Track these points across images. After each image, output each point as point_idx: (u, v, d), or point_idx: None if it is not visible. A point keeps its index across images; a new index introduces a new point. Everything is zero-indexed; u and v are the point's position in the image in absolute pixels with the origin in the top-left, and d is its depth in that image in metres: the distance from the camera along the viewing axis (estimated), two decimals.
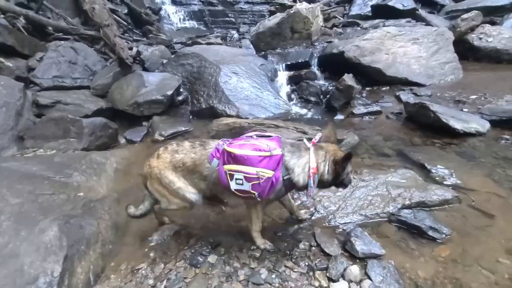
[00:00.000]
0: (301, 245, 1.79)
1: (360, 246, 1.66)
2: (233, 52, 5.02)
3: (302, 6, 5.29)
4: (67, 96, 4.00)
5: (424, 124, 3.03)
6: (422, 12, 6.64)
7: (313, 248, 1.78)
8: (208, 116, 3.97)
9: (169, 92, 4.12)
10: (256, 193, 1.46)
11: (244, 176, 1.44)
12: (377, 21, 6.47)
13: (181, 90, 4.47)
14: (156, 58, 5.08)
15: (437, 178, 2.28)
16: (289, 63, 4.82)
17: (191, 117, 4.22)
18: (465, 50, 4.95)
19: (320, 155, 1.56)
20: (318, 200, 2.12)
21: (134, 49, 5.08)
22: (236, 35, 7.09)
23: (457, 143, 2.72)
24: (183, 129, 3.77)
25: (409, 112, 3.24)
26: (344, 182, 1.64)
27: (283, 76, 4.69)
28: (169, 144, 1.72)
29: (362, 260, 1.64)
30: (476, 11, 5.17)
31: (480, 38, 4.98)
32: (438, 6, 7.24)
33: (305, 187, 1.55)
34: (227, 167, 1.48)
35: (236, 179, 1.46)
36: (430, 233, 1.76)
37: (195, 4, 9.17)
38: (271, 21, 5.53)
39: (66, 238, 1.86)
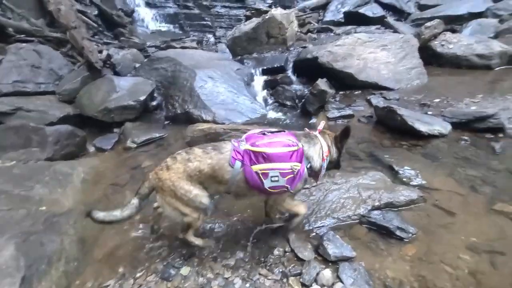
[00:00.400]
0: (276, 251, 1.80)
1: (332, 249, 1.70)
2: (209, 56, 4.98)
3: (277, 12, 5.38)
4: (30, 103, 3.74)
5: (392, 127, 3.17)
6: (390, 19, 7.01)
7: (287, 253, 1.78)
8: (184, 121, 3.88)
9: (142, 97, 3.99)
10: (289, 186, 1.56)
11: (280, 173, 1.52)
12: (349, 27, 6.74)
13: (155, 95, 4.35)
14: (128, 62, 4.91)
15: (404, 179, 2.38)
16: (265, 67, 4.86)
17: (166, 122, 4.11)
18: (429, 56, 5.26)
19: (327, 139, 1.76)
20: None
21: (104, 52, 4.87)
22: (212, 39, 7.05)
23: (422, 144, 2.87)
24: (157, 135, 3.67)
25: (379, 116, 3.38)
26: (339, 160, 1.85)
27: (259, 80, 4.72)
28: (176, 154, 1.65)
29: (334, 263, 1.67)
30: (438, 20, 5.53)
31: (442, 45, 5.31)
32: (405, 14, 7.69)
33: (319, 170, 1.71)
34: (258, 167, 1.52)
35: (272, 176, 1.52)
36: (398, 233, 1.83)
37: (170, 7, 9.00)
38: (247, 26, 5.57)
39: (24, 258, 1.73)
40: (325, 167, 1.71)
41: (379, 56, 4.78)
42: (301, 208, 1.79)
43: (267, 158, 1.52)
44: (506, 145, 2.67)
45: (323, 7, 8.45)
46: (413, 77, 4.62)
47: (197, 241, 1.80)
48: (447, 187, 2.25)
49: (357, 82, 4.44)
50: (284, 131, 1.70)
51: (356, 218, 2.02)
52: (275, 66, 4.79)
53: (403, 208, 2.08)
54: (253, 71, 4.83)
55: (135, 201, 1.66)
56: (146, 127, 3.92)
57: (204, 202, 1.61)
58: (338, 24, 7.50)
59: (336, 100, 4.24)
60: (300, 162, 1.57)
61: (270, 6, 7.60)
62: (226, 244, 1.88)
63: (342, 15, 7.69)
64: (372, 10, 7.08)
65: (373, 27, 6.54)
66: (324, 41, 5.55)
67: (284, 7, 8.10)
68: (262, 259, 1.75)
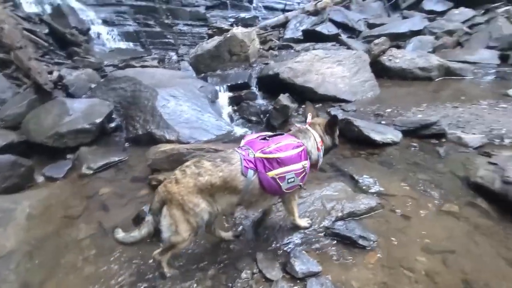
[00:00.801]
0: (243, 274, 1.74)
1: (299, 266, 1.69)
2: (171, 75, 4.90)
3: (238, 31, 5.53)
4: None
5: (351, 138, 3.34)
6: (344, 37, 7.58)
7: (256, 275, 1.74)
8: (146, 142, 3.72)
9: (99, 120, 3.76)
10: (302, 183, 1.70)
11: (295, 173, 1.63)
12: (307, 44, 7.13)
13: (113, 116, 4.13)
14: (82, 83, 4.64)
15: (364, 187, 2.50)
16: (229, 84, 4.91)
17: (126, 144, 3.90)
18: (380, 70, 5.73)
19: (318, 129, 1.88)
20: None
21: (55, 73, 4.55)
22: (175, 57, 6.99)
23: (378, 153, 3.06)
24: (117, 159, 3.46)
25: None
26: (335, 143, 1.99)
27: (224, 97, 4.74)
28: (185, 167, 1.62)
29: (302, 280, 1.66)
30: (385, 37, 6.10)
31: (390, 60, 5.84)
32: (356, 32, 8.36)
33: (317, 160, 1.82)
34: (274, 172, 1.59)
35: (288, 179, 1.62)
36: (360, 242, 1.90)
37: (130, 25, 8.81)
38: (209, 44, 5.63)
39: None
40: (322, 156, 1.85)
41: (336, 71, 5.09)
42: (296, 214, 1.97)
43: (281, 162, 1.61)
44: (448, 149, 2.96)
45: (283, 25, 8.89)
46: (367, 89, 4.99)
47: (166, 269, 1.72)
48: (402, 192, 2.41)
49: (317, 96, 4.66)
50: (282, 134, 1.81)
51: (321, 230, 2.05)
52: (239, 82, 4.86)
53: (364, 216, 2.17)
54: (217, 88, 4.84)
55: (149, 218, 1.64)
56: (104, 151, 3.68)
57: (204, 218, 1.60)
58: (297, 41, 7.91)
59: (299, 113, 4.39)
60: (307, 159, 1.71)
61: (231, 25, 7.80)
62: (190, 273, 1.79)
63: (301, 33, 8.14)
64: (327, 29, 7.60)
65: (329, 44, 7.01)
66: (285, 58, 5.79)
67: (246, 26, 8.40)
68: (230, 284, 1.69)
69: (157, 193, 1.62)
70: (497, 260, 1.74)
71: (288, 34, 8.49)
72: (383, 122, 3.75)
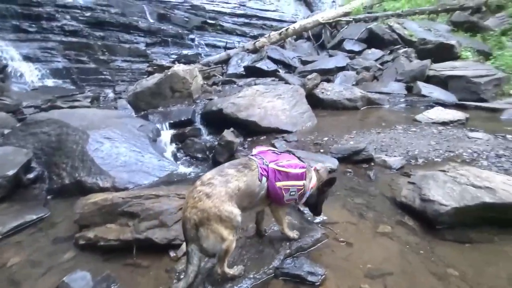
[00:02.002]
0: None
1: None
2: (105, 115, 4.56)
3: (180, 68, 5.56)
4: None
5: None
6: (282, 72, 8.27)
7: None
8: (74, 193, 3.27)
9: (12, 171, 3.20)
10: (298, 199, 1.96)
11: (297, 189, 1.89)
12: (249, 79, 7.55)
13: (32, 165, 3.56)
14: None
15: (309, 218, 2.57)
16: (172, 121, 4.78)
17: (49, 197, 3.36)
18: (315, 101, 6.33)
19: (317, 178, 2.07)
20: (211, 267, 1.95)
21: None
22: (111, 95, 6.59)
23: None
24: (35, 217, 2.92)
25: None
26: (317, 209, 2.17)
27: (166, 135, 4.56)
28: (210, 178, 1.70)
29: None
30: (316, 73, 6.85)
31: (322, 92, 6.52)
32: (292, 68, 9.21)
33: (303, 194, 1.98)
34: (281, 183, 1.82)
35: (291, 192, 1.86)
36: (309, 278, 1.88)
37: (59, 61, 8.11)
38: (150, 81, 5.50)
39: None
40: (307, 195, 2.01)
41: (276, 104, 5.43)
42: (285, 224, 2.11)
43: (290, 177, 1.86)
44: (377, 172, 3.30)
45: (226, 62, 9.32)
46: (305, 120, 5.40)
47: (232, 271, 1.84)
48: (343, 219, 2.54)
49: (261, 128, 4.85)
50: (289, 153, 2.05)
51: (271, 272, 1.98)
52: (182, 119, 4.78)
53: (311, 249, 2.20)
54: (159, 126, 4.66)
55: (191, 247, 1.65)
56: (18, 208, 3.08)
57: (239, 220, 1.69)
58: (240, 76, 8.33)
59: (245, 147, 4.46)
60: (306, 180, 1.95)
61: (173, 62, 7.85)
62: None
63: (242, 69, 8.62)
64: (267, 65, 8.22)
65: (269, 79, 7.53)
66: (229, 93, 5.98)
67: (189, 62, 8.55)
68: None
69: (187, 219, 1.62)
70: (428, 276, 1.90)
71: (231, 70, 8.90)
72: (321, 150, 4.04)
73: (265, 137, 4.81)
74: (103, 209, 2.57)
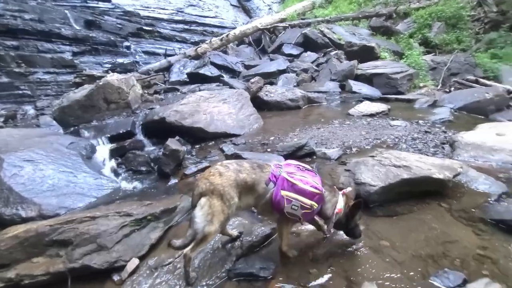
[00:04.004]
0: None
1: None
2: (24, 134, 3.95)
3: (113, 78, 5.16)
4: None
5: None
6: (227, 77, 8.32)
7: None
8: None
9: None
10: (302, 219, 1.93)
11: (301, 205, 1.84)
12: (193, 86, 7.40)
13: None
14: None
15: (259, 217, 2.62)
16: (109, 135, 4.40)
17: None
18: (260, 104, 6.52)
19: (344, 201, 2.01)
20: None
21: None
22: (32, 111, 5.73)
23: None
24: None
25: None
26: (353, 232, 2.06)
27: (103, 150, 4.17)
28: (228, 163, 1.91)
29: None
30: (259, 76, 7.08)
31: (266, 94, 6.76)
32: (236, 72, 9.34)
33: (327, 218, 2.00)
34: (285, 193, 1.83)
35: (293, 205, 1.83)
36: (261, 273, 1.92)
37: None
38: (78, 93, 4.97)
39: None
40: (334, 220, 1.97)
41: (222, 109, 5.43)
42: (285, 243, 2.05)
43: (296, 190, 1.85)
44: (319, 164, 3.54)
45: (167, 69, 8.97)
46: (252, 122, 5.52)
47: (191, 273, 1.89)
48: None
49: (209, 134, 4.79)
50: (314, 173, 2.01)
51: (224, 275, 1.97)
52: (121, 132, 4.43)
53: (263, 245, 2.25)
54: (94, 141, 4.24)
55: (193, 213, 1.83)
56: None
57: (233, 211, 1.87)
58: (183, 83, 8.11)
59: (192, 154, 4.34)
60: (318, 204, 1.89)
61: (107, 71, 7.24)
62: None
63: (185, 76, 8.41)
64: (210, 71, 8.17)
65: (214, 84, 7.50)
66: (171, 101, 5.76)
67: (126, 71, 8.00)
68: None
69: (197, 186, 1.85)
70: (366, 251, 2.11)
71: (173, 77, 8.61)
72: (268, 150, 4.17)
73: (213, 142, 4.77)
74: (26, 242, 2.22)
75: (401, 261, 1.96)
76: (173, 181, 3.62)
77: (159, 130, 4.57)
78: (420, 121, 4.75)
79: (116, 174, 3.95)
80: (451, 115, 5.04)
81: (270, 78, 8.21)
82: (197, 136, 4.76)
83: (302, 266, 2.00)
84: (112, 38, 9.54)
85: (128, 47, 9.51)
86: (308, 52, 9.41)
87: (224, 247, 2.17)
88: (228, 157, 3.73)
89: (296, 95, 6.55)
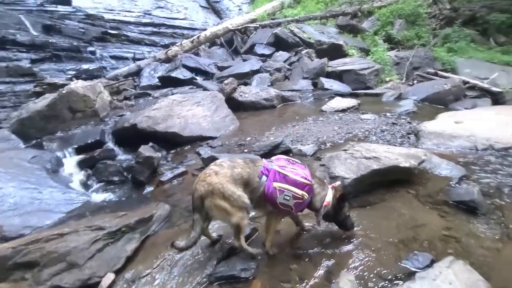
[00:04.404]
0: None
1: None
2: None
3: (78, 85, 4.88)
4: None
5: None
6: (200, 79, 8.21)
7: None
8: None
9: None
10: (294, 209, 1.96)
11: (293, 195, 1.90)
12: (166, 90, 7.21)
13: None
14: None
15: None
16: (76, 146, 4.16)
17: None
18: (235, 105, 6.49)
19: (333, 194, 2.07)
20: None
21: None
22: None
23: None
24: None
25: (207, 165, 3.65)
26: (345, 224, 2.12)
27: (71, 163, 3.94)
28: (222, 161, 2.02)
29: None
30: (232, 77, 7.06)
31: (241, 95, 6.75)
32: (210, 74, 9.23)
33: (316, 211, 2.06)
34: (277, 184, 1.89)
35: (285, 195, 1.89)
36: (243, 274, 1.92)
37: None
38: (39, 103, 4.65)
39: None
40: (322, 213, 2.03)
41: (196, 112, 5.35)
42: (270, 240, 2.10)
43: (288, 180, 1.91)
44: None
45: (137, 74, 8.66)
46: (228, 124, 5.49)
47: (250, 249, 2.02)
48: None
49: (184, 139, 4.70)
50: (304, 166, 2.07)
51: (205, 280, 1.94)
52: (89, 141, 4.21)
53: (247, 242, 2.24)
54: (59, 153, 3.98)
55: (196, 216, 1.92)
56: None
57: (246, 201, 1.90)
58: (155, 87, 7.87)
59: (168, 160, 4.24)
60: (309, 194, 1.95)
61: (71, 79, 6.83)
62: None
63: (157, 80, 8.17)
64: (182, 74, 8.00)
65: (186, 87, 7.36)
66: (143, 107, 5.57)
67: (92, 77, 7.60)
68: None
69: (195, 191, 1.90)
70: (343, 242, 2.18)
71: (144, 81, 8.33)
72: (245, 150, 4.18)
73: (189, 146, 4.69)
74: None
75: (376, 248, 2.05)
76: (148, 189, 3.51)
77: (131, 137, 4.40)
78: (388, 114, 5.00)
79: (87, 186, 3.74)
80: (415, 106, 5.37)
81: (244, 78, 8.21)
82: (172, 141, 4.64)
83: (283, 263, 2.03)
84: (75, 43, 9.01)
85: (93, 52, 9.03)
86: (280, 52, 9.54)
87: (204, 252, 2.14)
88: (205, 160, 3.67)
89: (271, 94, 6.62)
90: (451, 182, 2.65)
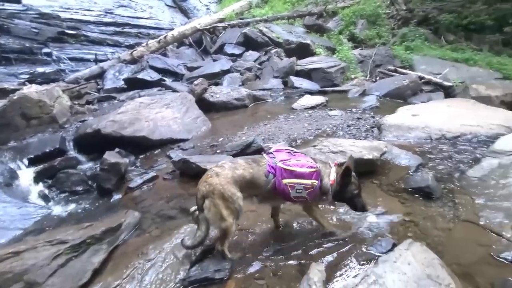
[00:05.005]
0: None
1: None
2: None
3: (31, 90, 4.52)
4: None
5: (194, 174, 3.43)
6: (169, 81, 7.98)
7: None
8: None
9: None
10: (309, 198, 2.01)
11: (304, 187, 1.96)
12: (132, 92, 6.92)
13: None
14: None
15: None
16: (32, 156, 3.84)
17: None
18: (206, 105, 6.40)
19: (336, 172, 2.07)
20: None
21: None
22: None
23: None
24: None
25: (179, 168, 3.58)
26: (354, 204, 2.10)
27: (27, 174, 3.63)
28: (223, 163, 2.04)
29: None
30: (202, 78, 6.95)
31: (212, 96, 6.67)
32: (180, 75, 8.99)
33: (328, 190, 2.07)
34: (287, 180, 1.94)
35: (297, 189, 1.95)
36: (217, 276, 1.91)
37: None
38: None
39: None
40: (331, 192, 2.05)
41: (166, 114, 5.20)
42: (325, 222, 2.19)
43: (296, 175, 1.97)
44: None
45: (100, 76, 8.19)
46: (200, 125, 5.40)
47: (230, 254, 2.02)
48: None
49: (154, 142, 4.54)
50: (304, 154, 2.14)
51: (178, 286, 1.90)
52: (47, 150, 3.91)
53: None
54: (13, 165, 3.65)
55: (201, 215, 1.97)
56: None
57: (241, 204, 1.95)
58: (121, 90, 7.50)
59: (137, 165, 4.07)
60: (317, 179, 2.01)
61: (23, 83, 6.27)
62: None
63: (122, 82, 7.79)
64: (150, 75, 7.72)
65: (155, 89, 7.12)
66: (108, 110, 5.31)
67: (50, 81, 7.03)
68: None
69: (198, 191, 1.95)
70: (318, 238, 2.26)
71: (109, 84, 7.90)
72: (218, 151, 4.15)
73: (159, 150, 4.54)
74: None
75: (345, 238, 2.15)
76: (116, 197, 3.34)
77: (95, 144, 4.16)
78: (353, 109, 5.26)
79: (47, 199, 3.47)
80: (378, 101, 5.70)
81: (215, 79, 8.13)
82: (141, 146, 4.47)
83: (257, 260, 2.05)
84: (28, 45, 8.28)
85: (48, 54, 8.36)
86: (250, 51, 9.58)
87: (176, 257, 2.09)
88: (175, 163, 3.59)
89: (242, 94, 6.62)
90: (410, 171, 2.86)
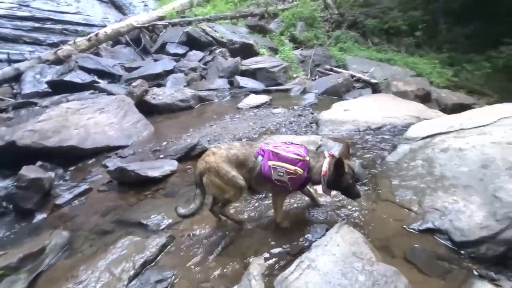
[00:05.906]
0: None
1: None
2: None
3: None
4: None
5: (133, 183, 3.22)
6: (104, 83, 7.29)
7: None
8: None
9: None
10: (290, 183, 2.07)
11: (285, 171, 2.03)
12: (58, 97, 6.14)
13: None
14: None
15: (154, 228, 2.48)
16: None
17: None
18: (148, 108, 6.02)
19: (329, 163, 2.08)
20: None
21: None
22: None
23: (162, 187, 3.16)
24: None
25: (116, 178, 3.32)
26: (349, 192, 2.14)
27: None
28: (220, 145, 2.28)
29: None
30: (142, 79, 6.52)
31: (154, 98, 6.30)
32: (116, 76, 8.28)
33: (318, 183, 2.14)
34: (271, 162, 2.05)
35: (279, 172, 2.04)
36: (158, 287, 1.84)
37: None
38: None
39: None
40: (324, 183, 2.09)
41: (100, 120, 4.74)
42: (279, 214, 2.26)
43: (280, 158, 2.04)
44: None
45: (15, 79, 7.05)
46: (141, 130, 5.06)
47: (234, 217, 2.35)
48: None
49: (86, 151, 4.11)
50: (300, 145, 2.20)
51: None
52: None
53: (159, 256, 2.14)
54: None
55: (197, 191, 2.17)
56: None
57: (240, 182, 2.08)
58: (44, 95, 6.59)
59: (66, 179, 3.64)
60: (303, 170, 2.04)
61: None
62: None
63: (45, 85, 6.84)
64: (79, 77, 6.94)
65: (87, 93, 6.44)
66: (26, 118, 4.61)
67: None
68: None
69: (197, 168, 2.15)
70: (281, 238, 2.32)
71: (28, 88, 6.86)
72: (161, 156, 3.95)
73: (94, 159, 4.13)
74: None
75: (285, 230, 2.26)
76: (39, 216, 2.93)
77: (9, 158, 3.57)
78: (295, 107, 5.56)
79: None
80: (316, 98, 6.13)
81: (157, 79, 7.73)
82: (70, 156, 4.00)
83: (200, 263, 2.03)
84: None
85: None
86: (194, 51, 9.34)
87: (112, 274, 1.94)
88: (111, 173, 3.31)
89: (186, 95, 6.43)
90: None
